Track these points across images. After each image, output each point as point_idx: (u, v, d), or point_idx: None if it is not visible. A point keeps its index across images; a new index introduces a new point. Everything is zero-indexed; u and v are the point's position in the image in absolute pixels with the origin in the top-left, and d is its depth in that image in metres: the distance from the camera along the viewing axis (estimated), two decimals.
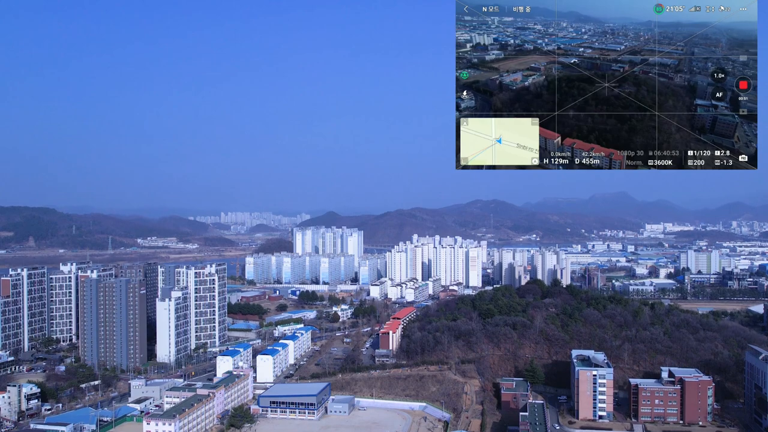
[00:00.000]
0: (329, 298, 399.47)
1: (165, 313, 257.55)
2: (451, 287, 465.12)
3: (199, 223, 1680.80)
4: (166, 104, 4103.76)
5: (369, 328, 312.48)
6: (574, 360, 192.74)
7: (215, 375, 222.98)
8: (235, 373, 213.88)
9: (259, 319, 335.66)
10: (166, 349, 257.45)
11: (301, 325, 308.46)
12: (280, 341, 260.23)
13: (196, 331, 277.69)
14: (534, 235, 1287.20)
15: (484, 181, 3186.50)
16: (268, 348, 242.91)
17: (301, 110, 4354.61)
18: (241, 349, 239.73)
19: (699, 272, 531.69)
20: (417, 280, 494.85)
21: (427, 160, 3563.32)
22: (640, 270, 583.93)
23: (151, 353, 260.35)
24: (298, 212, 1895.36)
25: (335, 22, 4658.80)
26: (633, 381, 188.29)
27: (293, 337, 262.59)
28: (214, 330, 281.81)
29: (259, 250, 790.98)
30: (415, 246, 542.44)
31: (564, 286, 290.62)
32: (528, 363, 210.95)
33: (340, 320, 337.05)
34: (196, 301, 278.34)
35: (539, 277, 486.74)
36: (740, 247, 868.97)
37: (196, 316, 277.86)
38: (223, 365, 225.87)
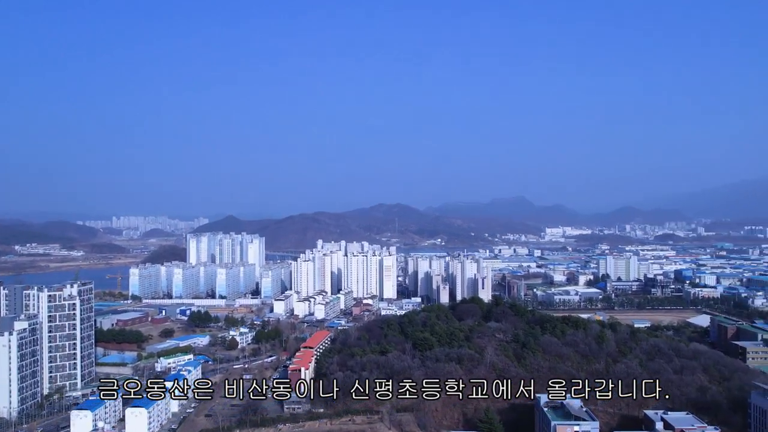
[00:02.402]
0: (225, 318, 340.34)
1: (4, 352, 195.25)
2: (365, 300, 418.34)
3: (88, 228, 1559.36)
4: (47, 102, 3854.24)
5: (274, 357, 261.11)
6: (545, 409, 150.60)
7: None
8: None
9: (137, 348, 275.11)
10: (5, 399, 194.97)
11: (191, 357, 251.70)
12: (165, 381, 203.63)
13: (51, 371, 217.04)
14: (439, 240, 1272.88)
15: (385, 184, 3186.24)
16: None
17: (200, 111, 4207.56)
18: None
19: (619, 279, 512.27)
20: (327, 293, 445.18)
21: (329, 163, 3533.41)
22: (558, 277, 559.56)
23: None
24: (195, 216, 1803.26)
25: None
26: None
27: (178, 376, 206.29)
28: (75, 369, 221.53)
29: (151, 258, 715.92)
30: (324, 254, 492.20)
31: (508, 304, 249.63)
32: (479, 409, 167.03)
33: (239, 347, 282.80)
34: (50, 332, 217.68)
35: (458, 287, 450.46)
36: (643, 251, 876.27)
37: (50, 352, 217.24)
38: (80, 424, 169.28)
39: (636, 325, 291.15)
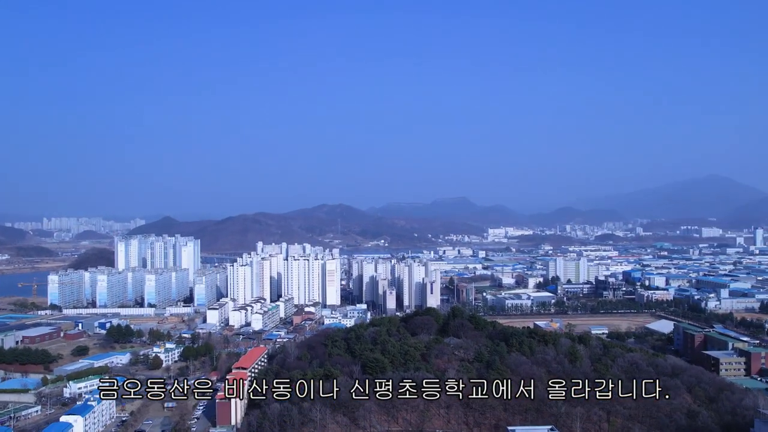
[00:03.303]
0: (150, 333, 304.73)
1: None
2: (306, 308, 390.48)
3: (16, 230, 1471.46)
4: None
5: (204, 377, 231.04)
6: None
7: None
8: None
9: (44, 370, 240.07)
10: None
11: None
12: (65, 415, 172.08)
13: None
14: (382, 241, 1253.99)
15: (328, 185, 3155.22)
16: None
17: (132, 108, 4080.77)
18: None
19: (569, 281, 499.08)
20: (265, 300, 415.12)
21: (270, 163, 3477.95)
22: (506, 279, 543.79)
23: None
24: (132, 217, 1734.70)
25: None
26: None
27: (84, 409, 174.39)
28: None
29: (79, 262, 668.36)
30: (263, 258, 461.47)
31: (467, 315, 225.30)
32: None
33: (164, 365, 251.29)
34: None
35: (405, 292, 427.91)
36: (586, 251, 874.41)
37: None
38: None
39: (594, 332, 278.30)
